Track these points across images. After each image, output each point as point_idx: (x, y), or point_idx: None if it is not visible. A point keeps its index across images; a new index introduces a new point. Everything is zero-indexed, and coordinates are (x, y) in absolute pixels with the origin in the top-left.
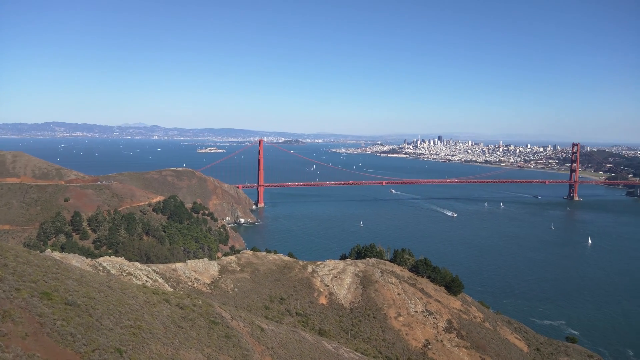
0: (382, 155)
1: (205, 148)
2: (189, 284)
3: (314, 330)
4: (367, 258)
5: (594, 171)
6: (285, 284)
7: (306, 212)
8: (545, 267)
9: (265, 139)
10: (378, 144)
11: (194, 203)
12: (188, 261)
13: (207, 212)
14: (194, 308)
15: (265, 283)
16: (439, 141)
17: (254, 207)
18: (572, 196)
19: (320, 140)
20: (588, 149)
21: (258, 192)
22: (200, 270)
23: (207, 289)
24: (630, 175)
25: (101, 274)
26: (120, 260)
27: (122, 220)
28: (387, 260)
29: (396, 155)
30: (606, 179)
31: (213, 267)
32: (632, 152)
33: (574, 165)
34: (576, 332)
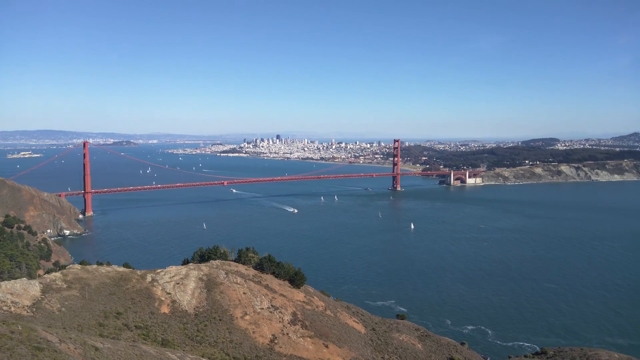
0: (222, 155)
1: (18, 153)
2: (5, 308)
3: (156, 342)
4: (211, 260)
5: (412, 164)
6: (122, 296)
7: (143, 218)
8: (376, 252)
9: (90, 140)
10: (218, 144)
11: (6, 216)
12: (2, 283)
13: (23, 225)
14: (12, 335)
15: (98, 298)
16: (277, 140)
17: (80, 216)
18: (396, 187)
19: (155, 141)
20: (407, 144)
21: (85, 199)
22: (17, 292)
23: (27, 312)
24: (441, 167)
25: None
26: None
27: None
28: (232, 260)
29: (236, 154)
30: (422, 171)
31: (34, 287)
32: (442, 146)
33: (396, 159)
34: (404, 309)
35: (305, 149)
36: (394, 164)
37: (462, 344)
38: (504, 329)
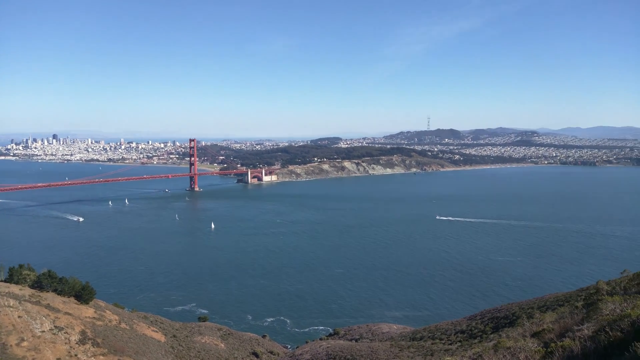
0: None
1: None
2: None
3: None
4: None
5: (210, 163)
6: None
7: None
8: (174, 256)
9: None
10: None
11: None
12: None
13: None
14: None
15: None
16: (54, 140)
17: None
18: (194, 187)
19: None
20: (203, 144)
21: None
22: None
23: None
24: (239, 165)
25: None
26: None
27: None
28: (1, 281)
29: (2, 157)
30: (220, 170)
31: None
32: (239, 145)
33: (193, 159)
34: (205, 311)
35: (90, 149)
36: (191, 164)
37: (264, 336)
38: (301, 316)
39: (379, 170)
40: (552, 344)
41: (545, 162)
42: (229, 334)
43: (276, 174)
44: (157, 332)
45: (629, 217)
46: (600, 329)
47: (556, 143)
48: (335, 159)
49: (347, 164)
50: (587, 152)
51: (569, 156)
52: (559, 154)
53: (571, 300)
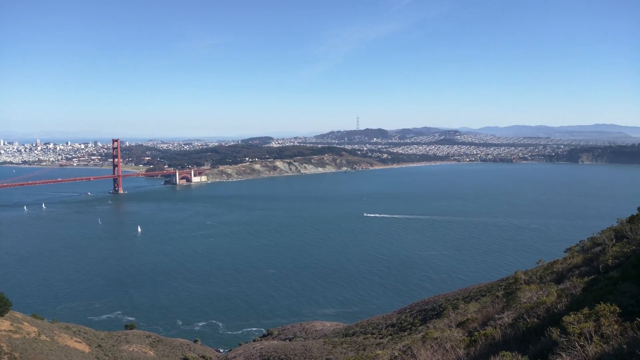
0: None
1: None
2: None
3: None
4: None
5: (135, 164)
6: None
7: None
8: (98, 262)
9: None
10: None
11: None
12: None
13: None
14: None
15: None
16: None
17: None
18: (117, 190)
19: None
20: (128, 144)
21: None
22: None
23: None
24: (166, 166)
25: None
26: None
27: None
28: None
29: None
30: (146, 171)
31: None
32: (166, 145)
33: (116, 160)
34: (132, 318)
35: (2, 151)
36: (115, 166)
37: (195, 341)
38: (233, 318)
39: (310, 169)
40: (476, 333)
41: (467, 160)
42: (158, 340)
43: (206, 174)
44: (80, 342)
45: (542, 209)
46: (519, 316)
47: (476, 141)
48: (267, 158)
49: (279, 163)
50: (504, 149)
51: (488, 154)
52: (479, 152)
53: (492, 290)
